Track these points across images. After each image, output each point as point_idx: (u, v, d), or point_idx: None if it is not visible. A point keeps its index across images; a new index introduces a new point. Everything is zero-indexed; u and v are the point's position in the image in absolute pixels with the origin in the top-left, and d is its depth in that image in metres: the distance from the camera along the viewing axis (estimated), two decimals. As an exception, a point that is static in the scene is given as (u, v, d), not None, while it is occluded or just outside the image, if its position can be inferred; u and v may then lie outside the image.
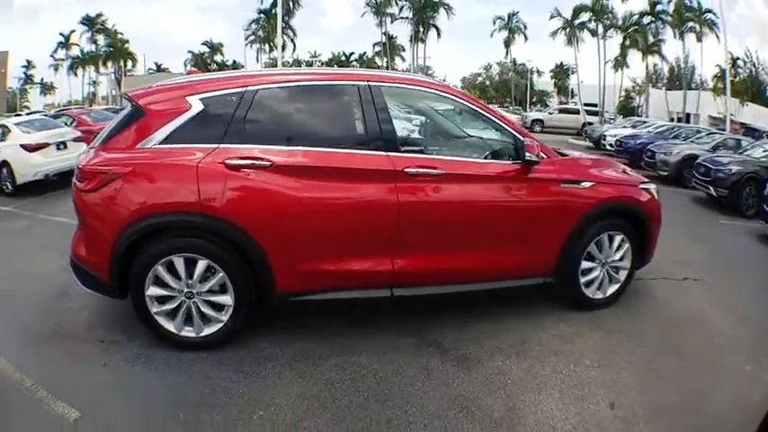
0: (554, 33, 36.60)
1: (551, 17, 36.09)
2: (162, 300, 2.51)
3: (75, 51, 42.30)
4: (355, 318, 3.02)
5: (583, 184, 3.07)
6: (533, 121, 24.54)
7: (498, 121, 2.97)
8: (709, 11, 29.25)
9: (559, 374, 2.56)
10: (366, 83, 2.74)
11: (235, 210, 2.44)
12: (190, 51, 45.48)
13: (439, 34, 40.01)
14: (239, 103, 2.55)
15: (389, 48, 42.74)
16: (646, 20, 32.51)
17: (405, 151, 2.76)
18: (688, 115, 29.05)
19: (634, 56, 33.69)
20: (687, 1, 30.43)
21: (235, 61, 43.21)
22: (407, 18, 39.64)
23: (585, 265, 3.18)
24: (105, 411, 2.16)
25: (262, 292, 2.58)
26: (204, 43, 45.43)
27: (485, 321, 3.10)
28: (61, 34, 41.96)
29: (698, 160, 8.43)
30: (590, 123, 22.16)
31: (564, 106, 29.07)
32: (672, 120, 24.66)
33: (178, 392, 2.30)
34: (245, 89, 2.59)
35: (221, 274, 2.50)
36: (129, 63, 43.04)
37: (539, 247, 3.01)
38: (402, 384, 2.42)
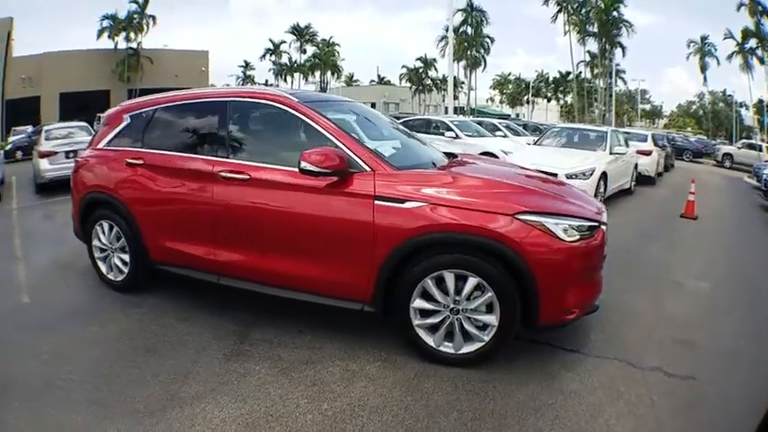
0: (729, 57, 36.26)
1: (724, 38, 35.91)
2: (101, 250, 3.73)
3: (284, 58, 46.67)
4: (223, 302, 3.46)
5: (407, 204, 2.57)
6: (724, 154, 24.96)
7: (329, 135, 2.84)
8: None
9: (263, 402, 2.36)
10: (221, 99, 3.22)
11: (123, 193, 3.45)
12: (404, 66, 48.67)
13: (624, 53, 38.29)
14: (145, 118, 3.53)
15: (592, 66, 40.93)
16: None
17: (236, 158, 3.05)
18: None
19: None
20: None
21: (455, 77, 43.90)
22: (594, 34, 37.74)
23: (421, 304, 2.64)
24: (42, 303, 3.55)
25: (144, 256, 3.45)
26: (418, 59, 47.91)
27: (315, 335, 3.03)
28: (270, 40, 47.05)
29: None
30: None
31: (750, 142, 27.26)
32: None
33: (85, 307, 3.47)
34: (150, 108, 3.53)
35: (123, 239, 3.52)
36: (336, 73, 46.30)
37: (345, 268, 2.73)
38: (176, 351, 2.84)
